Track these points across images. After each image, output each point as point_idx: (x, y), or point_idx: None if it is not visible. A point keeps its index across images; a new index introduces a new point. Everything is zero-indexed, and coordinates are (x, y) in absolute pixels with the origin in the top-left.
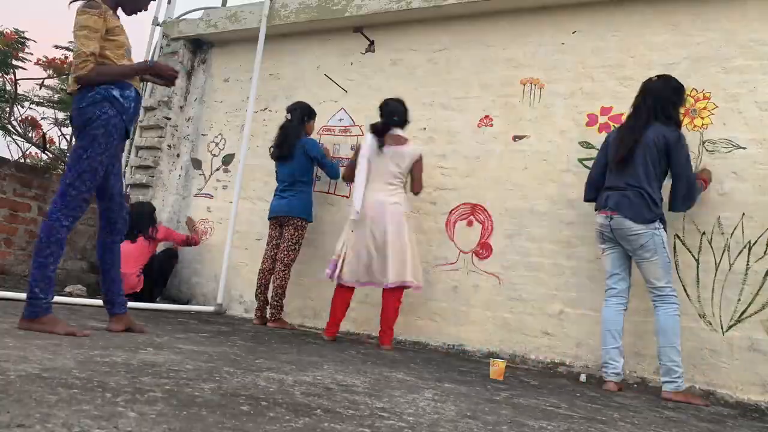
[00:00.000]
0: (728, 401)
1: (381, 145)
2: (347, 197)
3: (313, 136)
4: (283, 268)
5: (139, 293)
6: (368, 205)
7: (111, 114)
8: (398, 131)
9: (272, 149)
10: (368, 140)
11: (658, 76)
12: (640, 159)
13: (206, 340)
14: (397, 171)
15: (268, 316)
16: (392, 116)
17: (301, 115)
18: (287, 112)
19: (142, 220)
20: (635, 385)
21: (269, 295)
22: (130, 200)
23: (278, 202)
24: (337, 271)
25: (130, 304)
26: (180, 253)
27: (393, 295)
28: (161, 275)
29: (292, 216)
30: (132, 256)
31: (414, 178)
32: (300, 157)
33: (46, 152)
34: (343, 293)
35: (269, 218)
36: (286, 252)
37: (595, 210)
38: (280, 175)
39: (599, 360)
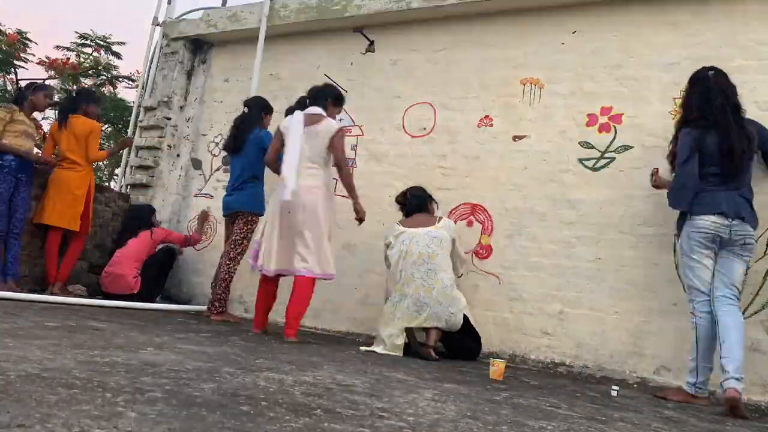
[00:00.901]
0: None
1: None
2: (346, 197)
3: None
4: (228, 261)
5: (136, 295)
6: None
7: None
8: (317, 110)
9: (225, 141)
10: (295, 119)
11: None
12: (745, 162)
13: (206, 340)
14: (313, 152)
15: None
16: (313, 99)
17: (259, 109)
18: (244, 106)
19: (138, 221)
20: (635, 385)
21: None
22: (130, 200)
23: (228, 198)
24: (259, 260)
25: (131, 304)
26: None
27: (302, 284)
28: (161, 273)
29: (242, 211)
30: (129, 257)
31: (333, 156)
32: (253, 150)
33: None
34: (265, 284)
35: (224, 215)
36: (233, 245)
37: (698, 214)
38: (232, 169)
39: (599, 360)
